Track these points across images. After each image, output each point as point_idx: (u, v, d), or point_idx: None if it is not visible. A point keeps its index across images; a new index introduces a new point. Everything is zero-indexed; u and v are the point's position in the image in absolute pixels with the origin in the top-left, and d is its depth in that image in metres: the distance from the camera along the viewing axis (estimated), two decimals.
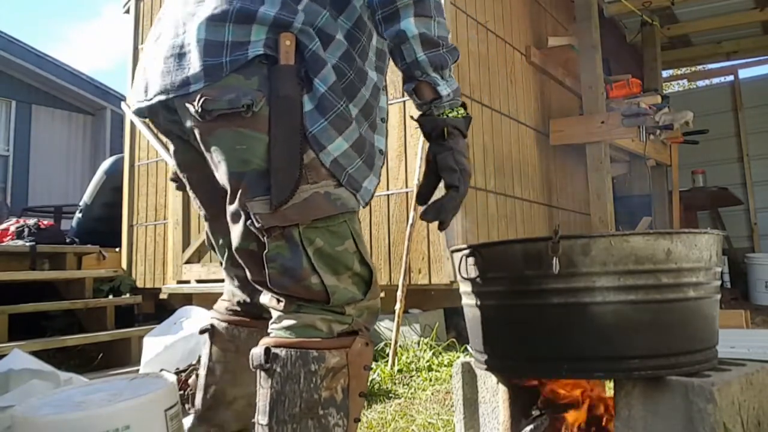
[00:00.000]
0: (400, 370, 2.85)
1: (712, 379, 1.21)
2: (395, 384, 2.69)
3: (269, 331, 1.09)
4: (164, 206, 4.59)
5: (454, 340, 3.24)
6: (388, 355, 2.94)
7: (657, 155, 5.00)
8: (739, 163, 7.00)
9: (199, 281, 4.17)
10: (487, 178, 3.74)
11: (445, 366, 2.89)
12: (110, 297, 4.11)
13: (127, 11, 5.26)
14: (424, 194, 1.14)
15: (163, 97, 1.10)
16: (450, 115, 1.08)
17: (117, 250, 4.82)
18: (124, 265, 4.78)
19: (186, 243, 4.29)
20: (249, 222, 1.04)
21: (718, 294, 1.38)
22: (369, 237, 3.52)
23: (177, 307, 3.10)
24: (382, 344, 3.15)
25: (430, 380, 2.71)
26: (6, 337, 3.22)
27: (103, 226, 5.09)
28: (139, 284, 4.66)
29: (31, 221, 4.49)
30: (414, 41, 1.04)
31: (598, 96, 4.39)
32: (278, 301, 1.08)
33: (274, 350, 1.03)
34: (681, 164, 5.44)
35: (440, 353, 3.07)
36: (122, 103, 4.72)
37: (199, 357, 1.69)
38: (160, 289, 4.45)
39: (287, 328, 1.06)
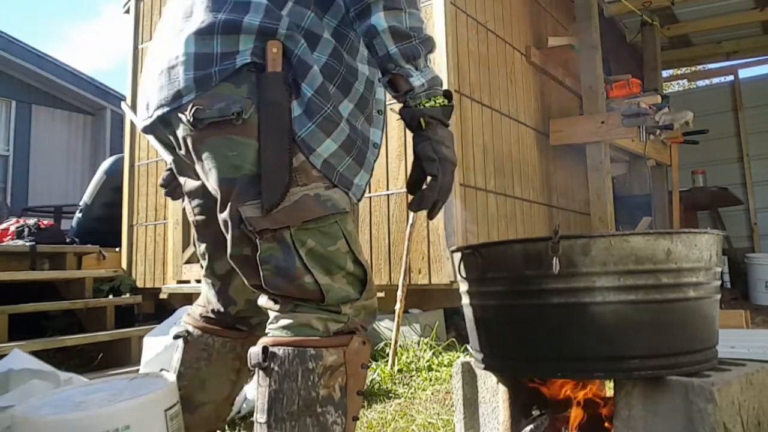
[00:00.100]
0: (400, 370, 2.85)
1: (712, 379, 1.21)
2: (395, 384, 2.69)
3: (267, 331, 1.10)
4: (164, 206, 4.59)
5: (454, 340, 3.24)
6: (388, 354, 2.94)
7: (657, 155, 5.00)
8: (739, 163, 7.00)
9: (199, 281, 4.15)
10: (487, 178, 3.74)
11: (445, 366, 2.89)
12: (110, 297, 4.11)
13: (127, 11, 5.26)
14: (411, 185, 1.14)
15: (159, 112, 1.12)
16: (427, 105, 1.09)
17: (117, 250, 4.82)
18: (124, 265, 4.78)
19: (186, 243, 4.28)
20: (242, 225, 1.06)
21: (718, 294, 1.38)
22: (369, 237, 3.52)
23: (177, 307, 3.10)
24: (382, 344, 3.16)
25: (430, 380, 2.71)
26: (6, 337, 3.22)
27: (103, 226, 5.09)
28: (139, 284, 4.66)
29: (31, 221, 4.49)
30: (384, 35, 1.06)
31: (598, 96, 4.39)
32: (275, 302, 1.10)
33: (271, 349, 1.04)
34: (681, 164, 5.44)
35: (440, 353, 3.07)
36: (122, 103, 4.71)
37: None
38: (160, 289, 4.45)
39: (284, 327, 1.07)
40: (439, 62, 3.46)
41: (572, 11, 4.98)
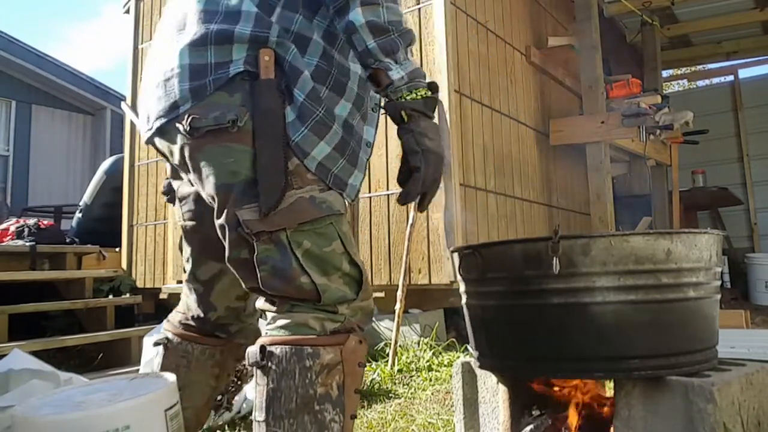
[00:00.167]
0: (400, 370, 2.85)
1: (712, 379, 1.21)
2: (395, 384, 2.69)
3: (265, 331, 1.11)
4: (164, 206, 4.59)
5: (454, 340, 3.24)
6: (388, 354, 2.94)
7: (657, 155, 5.00)
8: (739, 163, 7.00)
9: None
10: (487, 178, 3.74)
11: (445, 366, 2.89)
12: (110, 297, 4.11)
13: (127, 11, 5.27)
14: (400, 179, 1.15)
15: (158, 124, 1.14)
16: (408, 97, 1.09)
17: (117, 250, 4.82)
18: (124, 265, 4.78)
19: None
20: (239, 229, 1.07)
21: (718, 294, 1.38)
22: (369, 237, 3.52)
23: None
24: (382, 344, 3.16)
25: (430, 380, 2.71)
26: (6, 337, 3.22)
27: (103, 226, 5.10)
28: (139, 284, 4.66)
29: (31, 221, 4.49)
30: (362, 30, 1.06)
31: (598, 96, 4.39)
32: (272, 303, 1.12)
33: (269, 348, 1.06)
34: (681, 164, 5.44)
35: (440, 353, 3.07)
36: (122, 103, 4.71)
37: None
38: (160, 289, 4.45)
39: (281, 327, 1.08)
40: (439, 62, 3.46)
41: (572, 11, 4.98)
